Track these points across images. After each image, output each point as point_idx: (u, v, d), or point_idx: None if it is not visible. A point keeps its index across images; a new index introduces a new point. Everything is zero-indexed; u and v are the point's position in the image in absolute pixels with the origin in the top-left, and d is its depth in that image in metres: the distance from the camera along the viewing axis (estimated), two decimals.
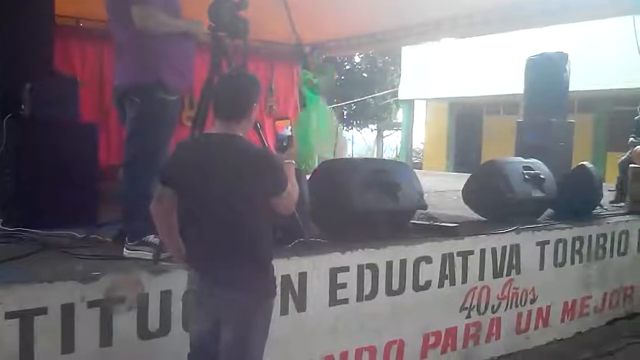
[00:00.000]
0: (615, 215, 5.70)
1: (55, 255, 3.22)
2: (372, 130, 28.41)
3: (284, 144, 2.67)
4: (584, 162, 5.71)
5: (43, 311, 2.59)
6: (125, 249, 3.22)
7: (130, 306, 2.82)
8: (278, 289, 3.15)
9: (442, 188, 8.02)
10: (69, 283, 2.68)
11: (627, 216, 5.69)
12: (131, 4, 3.12)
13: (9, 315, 2.51)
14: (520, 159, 5.37)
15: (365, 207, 3.88)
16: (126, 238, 3.26)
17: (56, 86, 4.37)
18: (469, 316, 4.25)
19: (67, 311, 2.65)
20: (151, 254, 3.10)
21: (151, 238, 3.18)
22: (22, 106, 4.17)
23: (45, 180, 4.05)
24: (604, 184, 6.34)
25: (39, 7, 4.49)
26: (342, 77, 24.11)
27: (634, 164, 6.27)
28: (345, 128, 27.12)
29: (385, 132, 28.05)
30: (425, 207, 4.29)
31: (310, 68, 7.81)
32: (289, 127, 2.76)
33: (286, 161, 2.64)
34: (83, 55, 7.00)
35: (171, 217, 2.56)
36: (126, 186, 3.27)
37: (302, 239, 3.55)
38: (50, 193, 4.04)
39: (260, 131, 3.49)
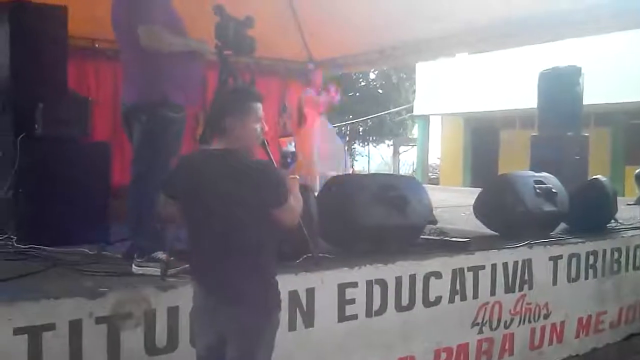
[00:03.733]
0: (630, 229, 5.62)
1: (65, 272, 3.26)
2: (388, 146, 28.39)
3: (289, 160, 2.70)
4: (598, 176, 5.66)
5: (51, 327, 2.61)
6: (133, 265, 3.25)
7: (138, 322, 2.84)
8: (286, 305, 3.18)
9: (457, 203, 7.98)
10: (76, 299, 2.71)
11: None
12: (137, 23, 3.19)
13: (18, 331, 2.54)
14: (532, 173, 5.34)
15: (374, 223, 3.88)
16: (135, 254, 3.29)
17: (68, 106, 4.44)
18: (481, 332, 4.21)
19: (75, 327, 2.67)
20: (159, 270, 3.12)
21: (159, 254, 3.21)
22: (36, 126, 4.24)
23: (58, 198, 4.10)
24: (623, 197, 6.27)
25: (53, 28, 4.57)
26: (357, 94, 24.16)
27: None
28: (361, 144, 27.15)
29: (402, 148, 28.00)
30: (435, 222, 4.29)
31: (314, 87, 7.84)
32: (293, 144, 2.79)
33: (291, 176, 2.66)
34: (98, 75, 7.10)
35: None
36: (133, 203, 3.31)
37: (310, 255, 3.56)
38: (63, 211, 4.09)
39: (268, 147, 3.51)
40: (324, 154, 7.12)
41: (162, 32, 3.22)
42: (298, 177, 2.75)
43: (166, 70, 3.27)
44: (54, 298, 2.67)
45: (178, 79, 3.32)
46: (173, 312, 2.93)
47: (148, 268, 3.20)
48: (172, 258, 3.10)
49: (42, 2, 4.67)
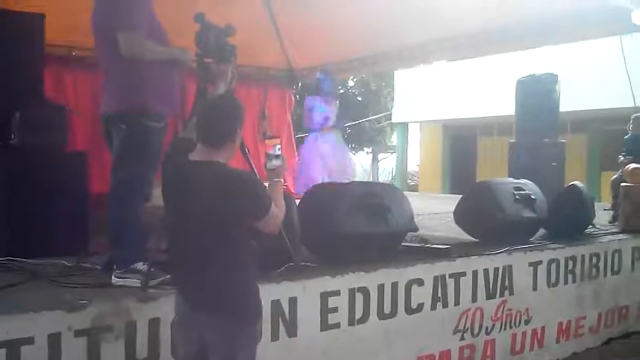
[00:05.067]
0: (608, 234, 5.70)
1: (43, 285, 3.20)
2: (367, 154, 28.46)
3: (273, 162, 2.69)
4: (575, 182, 5.73)
5: (30, 341, 2.56)
6: (113, 277, 3.20)
7: (118, 335, 2.80)
8: (268, 314, 3.17)
9: (436, 210, 8.02)
10: (55, 312, 2.66)
11: (620, 235, 5.69)
12: (117, 31, 3.16)
13: None
14: (511, 179, 5.39)
15: (355, 230, 3.88)
16: (114, 266, 3.24)
17: (45, 115, 4.39)
18: (462, 338, 4.23)
19: (54, 341, 2.62)
20: (139, 281, 3.09)
21: (140, 265, 3.17)
22: (12, 135, 4.17)
23: (35, 208, 4.04)
24: (599, 203, 6.35)
25: (30, 37, 4.53)
26: (336, 101, 24.15)
27: (625, 182, 6.30)
28: None
29: (381, 155, 28.10)
30: (416, 229, 4.30)
31: (323, 94, 7.81)
32: (278, 147, 2.77)
33: (275, 179, 2.66)
34: (76, 83, 7.02)
35: None
36: (113, 213, 3.27)
37: (292, 264, 3.54)
38: (40, 222, 4.03)
39: (248, 155, 3.50)
40: (333, 167, 7.14)
41: (142, 39, 3.19)
42: (282, 181, 2.75)
43: (146, 79, 3.23)
44: (32, 311, 2.62)
45: (158, 87, 3.29)
46: (154, 323, 2.89)
47: (128, 279, 3.15)
48: (152, 269, 3.07)
49: (20, 9, 4.62)
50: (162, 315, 2.89)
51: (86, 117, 6.59)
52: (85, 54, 6.74)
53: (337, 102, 7.87)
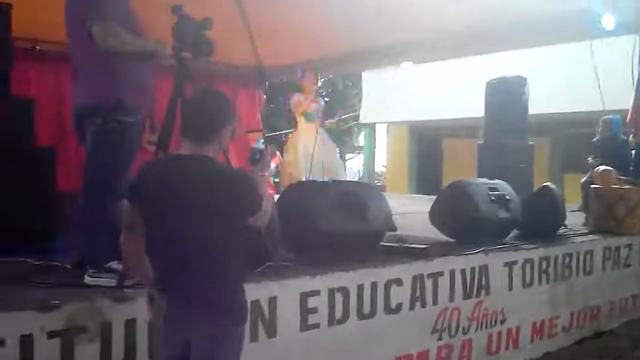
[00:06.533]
0: (579, 235, 5.76)
1: (12, 284, 3.04)
2: None
3: (257, 156, 2.64)
4: (548, 183, 5.78)
5: (1, 343, 2.43)
6: (86, 276, 3.07)
7: (93, 336, 2.69)
8: (248, 315, 3.08)
9: (405, 210, 8.01)
10: (27, 313, 2.54)
11: (591, 236, 5.76)
12: (92, 23, 3.03)
13: None
14: (486, 180, 5.39)
15: (334, 229, 3.82)
16: (87, 265, 3.11)
17: (11, 109, 4.21)
18: (440, 338, 4.20)
19: (26, 342, 2.50)
20: (114, 280, 2.97)
21: (114, 264, 3.05)
22: None
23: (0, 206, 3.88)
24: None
25: None
26: (321, 99, 24.14)
27: (595, 184, 6.39)
28: None
29: (348, 156, 28.16)
30: (394, 228, 4.26)
31: (304, 91, 7.72)
32: (262, 140, 2.73)
33: (259, 174, 2.61)
34: (41, 77, 6.81)
35: (142, 245, 2.45)
36: (86, 211, 3.13)
37: (271, 263, 3.47)
38: (5, 219, 3.87)
39: (225, 152, 3.40)
40: (324, 166, 7.08)
41: (118, 30, 3.06)
42: (266, 175, 2.70)
43: (122, 72, 3.11)
44: (3, 312, 2.49)
45: (133, 81, 3.16)
46: (130, 324, 2.79)
47: (102, 279, 3.03)
48: None
49: None
50: (138, 315, 2.78)
51: (51, 112, 6.42)
52: (50, 47, 6.55)
53: (322, 100, 7.85)
